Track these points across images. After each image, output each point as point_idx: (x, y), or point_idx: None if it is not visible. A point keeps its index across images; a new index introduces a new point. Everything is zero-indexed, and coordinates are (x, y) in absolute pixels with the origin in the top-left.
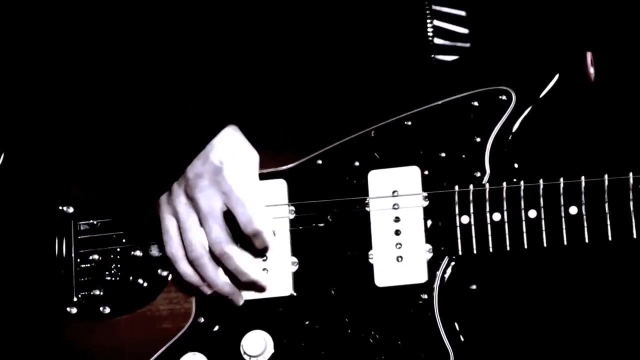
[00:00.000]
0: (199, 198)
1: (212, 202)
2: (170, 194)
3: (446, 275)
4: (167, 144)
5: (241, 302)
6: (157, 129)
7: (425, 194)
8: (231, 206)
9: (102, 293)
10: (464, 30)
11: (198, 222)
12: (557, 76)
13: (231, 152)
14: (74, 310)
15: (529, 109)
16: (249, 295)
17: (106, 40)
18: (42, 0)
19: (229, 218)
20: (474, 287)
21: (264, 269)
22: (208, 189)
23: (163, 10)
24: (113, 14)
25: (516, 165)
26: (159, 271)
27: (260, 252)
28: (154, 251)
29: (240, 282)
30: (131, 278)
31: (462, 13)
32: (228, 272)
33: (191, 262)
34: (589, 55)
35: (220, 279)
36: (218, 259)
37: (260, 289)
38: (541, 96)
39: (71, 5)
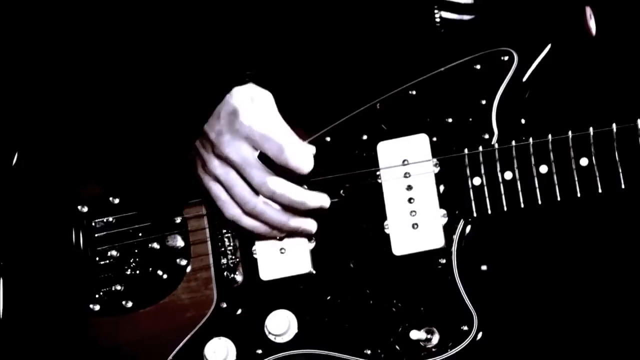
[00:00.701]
0: (227, 152)
1: (240, 150)
2: (204, 162)
3: (463, 238)
4: (182, 102)
5: (314, 229)
6: (170, 88)
7: (436, 160)
8: (258, 146)
9: (123, 288)
10: (469, 1)
11: (238, 175)
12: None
13: (242, 98)
14: (97, 307)
15: (532, 67)
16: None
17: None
18: None
19: (263, 158)
20: (484, 267)
21: (281, 249)
22: (232, 141)
23: None
24: None
25: (523, 122)
26: (178, 261)
27: (304, 176)
28: (171, 242)
29: (301, 212)
30: (151, 270)
31: None
32: (287, 209)
33: (250, 215)
34: (588, 9)
35: (284, 217)
36: (272, 201)
37: (322, 208)
38: (543, 53)
39: None
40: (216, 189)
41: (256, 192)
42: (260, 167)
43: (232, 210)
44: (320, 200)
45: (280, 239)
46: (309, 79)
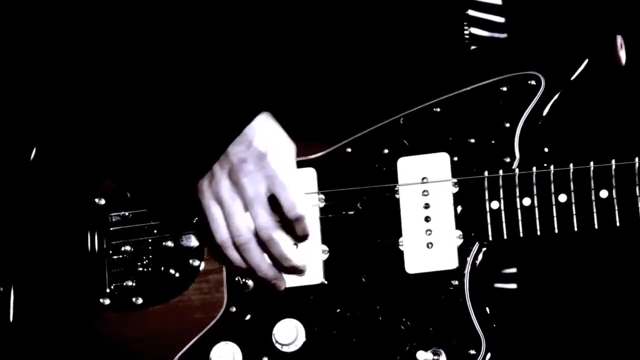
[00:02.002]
0: (244, 182)
1: (257, 186)
2: (213, 179)
3: (477, 261)
4: (207, 124)
5: (283, 287)
6: (195, 110)
7: (455, 180)
8: (275, 191)
9: (134, 284)
10: (500, 19)
11: (243, 206)
12: (586, 61)
13: (274, 139)
14: (107, 302)
15: (558, 93)
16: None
17: (141, 25)
18: None
19: (272, 203)
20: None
21: None
22: (253, 174)
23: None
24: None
25: (546, 150)
26: (191, 261)
27: (300, 238)
28: (186, 241)
29: (282, 267)
30: (163, 269)
31: (497, 1)
32: (272, 257)
33: (237, 248)
34: (619, 38)
35: (265, 264)
36: (264, 244)
37: (300, 273)
38: (571, 80)
39: None
40: (215, 210)
41: (252, 228)
42: (269, 210)
43: (223, 236)
44: (303, 266)
45: (248, 277)
46: (335, 89)
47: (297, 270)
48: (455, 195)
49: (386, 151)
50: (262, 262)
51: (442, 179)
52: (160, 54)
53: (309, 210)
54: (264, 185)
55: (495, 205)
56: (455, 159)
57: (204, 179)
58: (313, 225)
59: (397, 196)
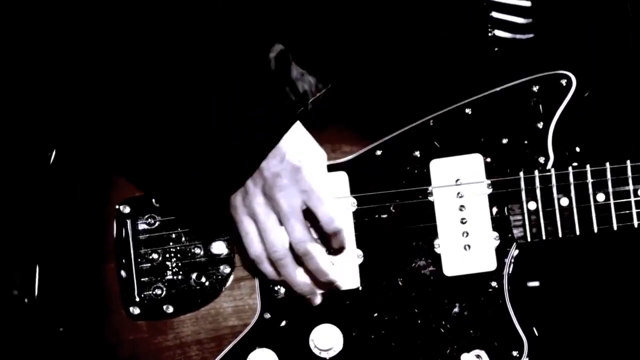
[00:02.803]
0: (279, 197)
1: (292, 201)
2: (247, 194)
3: (515, 262)
4: (240, 138)
5: (318, 302)
6: (228, 124)
7: (489, 181)
8: (312, 205)
9: (164, 292)
10: (525, 21)
11: (277, 222)
12: (615, 60)
13: (307, 151)
14: (137, 311)
15: (589, 92)
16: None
17: (169, 35)
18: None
19: (308, 217)
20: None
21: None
22: (288, 188)
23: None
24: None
25: (578, 150)
26: (221, 268)
27: (337, 251)
28: (215, 249)
29: (318, 282)
30: (193, 276)
31: (526, 3)
32: (307, 272)
33: (272, 263)
34: None
35: (301, 279)
36: (299, 258)
37: (336, 288)
38: (602, 79)
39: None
40: (248, 224)
41: (287, 243)
42: (304, 224)
43: (258, 252)
44: (339, 280)
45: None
46: (363, 91)
47: (333, 285)
48: (490, 196)
49: (417, 153)
50: (297, 277)
51: (477, 181)
52: (193, 68)
53: (344, 216)
54: (300, 200)
55: (532, 206)
56: (489, 160)
57: (237, 194)
58: (347, 229)
59: (430, 199)
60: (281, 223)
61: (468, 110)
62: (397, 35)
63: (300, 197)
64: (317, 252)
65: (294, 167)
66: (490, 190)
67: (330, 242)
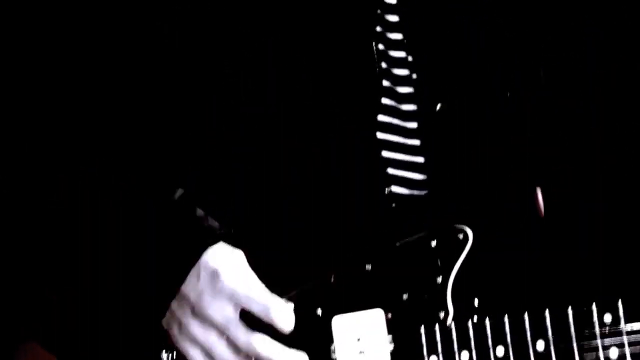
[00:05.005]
0: (210, 314)
1: (224, 311)
2: (180, 324)
3: None
4: (157, 265)
5: None
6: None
7: (391, 337)
8: (243, 305)
9: None
10: (421, 177)
11: (218, 337)
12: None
13: (220, 257)
14: None
15: (486, 246)
16: None
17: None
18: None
19: (245, 318)
20: None
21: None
22: (215, 301)
23: None
24: None
25: (476, 303)
26: None
27: (287, 332)
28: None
29: None
30: None
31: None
32: None
33: None
34: (538, 190)
35: None
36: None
37: None
38: (496, 233)
39: None
40: (192, 350)
41: (237, 351)
42: (244, 327)
43: None
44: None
45: None
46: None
47: None
48: (392, 352)
49: (319, 311)
50: None
51: (378, 336)
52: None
53: (284, 305)
54: (230, 306)
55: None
56: (389, 315)
57: (172, 326)
58: None
59: (333, 356)
60: (223, 335)
61: (368, 267)
62: (294, 200)
63: (229, 303)
64: (267, 346)
65: (211, 277)
66: (392, 347)
67: (278, 327)
